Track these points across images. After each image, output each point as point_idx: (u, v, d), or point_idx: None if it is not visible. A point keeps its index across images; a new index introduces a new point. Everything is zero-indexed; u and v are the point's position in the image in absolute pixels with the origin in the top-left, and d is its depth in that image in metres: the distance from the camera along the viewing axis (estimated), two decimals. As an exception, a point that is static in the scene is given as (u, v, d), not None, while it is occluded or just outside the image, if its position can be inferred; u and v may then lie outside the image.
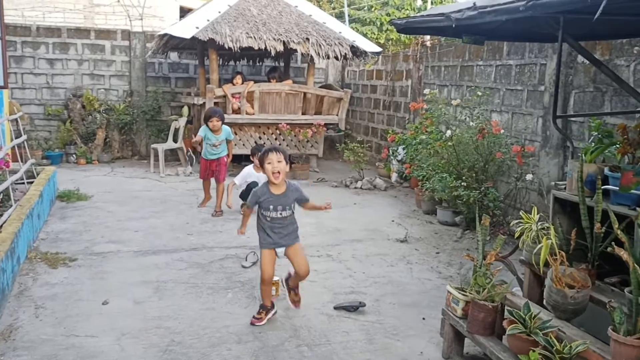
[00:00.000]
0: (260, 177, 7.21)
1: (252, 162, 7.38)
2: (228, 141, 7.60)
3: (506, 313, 3.51)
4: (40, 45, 11.46)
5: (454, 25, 3.14)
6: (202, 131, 7.43)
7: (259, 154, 4.37)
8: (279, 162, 4.10)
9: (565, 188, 4.00)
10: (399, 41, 13.02)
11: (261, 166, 4.24)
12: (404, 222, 7.19)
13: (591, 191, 3.67)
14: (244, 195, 7.36)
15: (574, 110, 6.24)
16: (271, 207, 4.13)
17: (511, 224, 6.43)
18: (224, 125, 7.47)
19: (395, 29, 4.10)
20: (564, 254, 3.33)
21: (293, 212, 4.25)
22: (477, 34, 3.90)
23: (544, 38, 4.45)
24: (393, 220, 7.28)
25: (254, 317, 4.18)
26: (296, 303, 4.45)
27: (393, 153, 9.51)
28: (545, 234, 3.67)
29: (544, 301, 3.43)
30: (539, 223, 3.80)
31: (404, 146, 8.99)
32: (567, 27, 3.70)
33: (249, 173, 7.33)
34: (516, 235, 3.90)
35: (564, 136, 4.31)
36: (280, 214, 4.15)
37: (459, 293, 3.70)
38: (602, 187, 3.43)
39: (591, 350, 2.92)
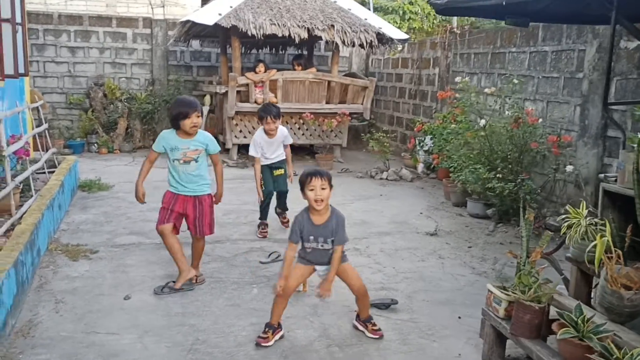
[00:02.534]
0: (273, 143, 5.77)
1: (267, 127, 5.68)
2: (211, 157, 4.66)
3: (552, 314, 3.28)
4: (62, 33, 11.36)
5: (504, 3, 2.88)
6: (162, 141, 4.50)
7: (304, 178, 3.64)
8: (322, 189, 3.57)
9: (616, 180, 3.73)
10: (421, 30, 12.72)
11: (302, 190, 3.66)
12: (432, 215, 6.94)
13: (646, 184, 3.40)
14: (264, 208, 5.97)
15: (615, 98, 5.93)
16: (311, 237, 3.65)
17: (547, 217, 6.20)
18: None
19: (434, 10, 3.84)
20: (620, 252, 3.07)
21: None
22: (522, 15, 3.63)
23: (594, 20, 4.17)
24: (421, 213, 7.03)
25: (259, 336, 3.70)
26: (378, 332, 3.84)
27: (420, 143, 9.24)
28: (595, 230, 3.41)
29: (595, 302, 3.19)
30: (588, 218, 3.53)
31: (431, 136, 8.72)
32: (620, 8, 3.43)
33: (261, 138, 5.74)
34: (562, 230, 3.65)
35: (615, 125, 4.03)
36: (322, 245, 3.65)
37: (502, 292, 3.45)
38: (662, 180, 3.16)
39: (653, 359, 2.67)
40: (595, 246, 3.18)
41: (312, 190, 3.58)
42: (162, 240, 4.53)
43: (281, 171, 5.92)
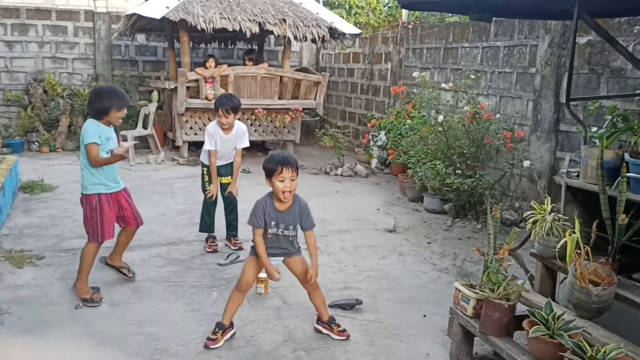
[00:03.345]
0: (229, 141, 5.16)
1: (219, 120, 5.09)
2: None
3: (519, 312, 3.27)
4: (-2, 27, 10.78)
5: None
6: (98, 132, 4.07)
7: (273, 165, 3.46)
8: (292, 180, 3.45)
9: (578, 176, 3.75)
10: (368, 24, 12.73)
11: (268, 177, 3.49)
12: (390, 211, 6.91)
13: (608, 179, 3.43)
14: (208, 217, 5.39)
15: (566, 92, 6.02)
16: (273, 223, 3.52)
17: (502, 211, 6.25)
18: None
19: (399, 5, 3.76)
20: (588, 248, 3.08)
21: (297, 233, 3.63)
22: (486, 10, 3.59)
23: (555, 15, 4.18)
24: (379, 209, 6.98)
25: (208, 337, 3.59)
26: (344, 333, 3.76)
27: (373, 138, 9.21)
28: (561, 226, 3.42)
29: (564, 299, 3.20)
30: (552, 214, 3.54)
31: (385, 131, 8.71)
32: (581, 3, 3.44)
33: (215, 131, 5.11)
34: (528, 226, 3.65)
35: (577, 121, 4.06)
36: (282, 232, 3.55)
37: (470, 291, 3.42)
38: (627, 175, 3.19)
39: (624, 355, 2.67)
40: (563, 242, 3.18)
41: (282, 181, 3.44)
42: (91, 249, 4.22)
43: (229, 179, 5.29)
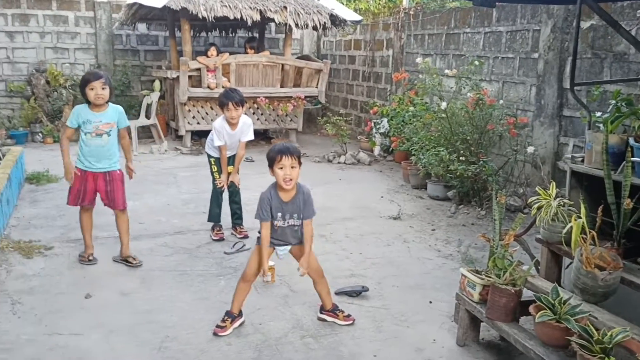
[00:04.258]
0: (234, 136, 5.22)
1: (228, 115, 5.09)
2: (119, 130, 4.66)
3: (525, 297, 3.31)
4: (-1, 17, 10.76)
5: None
6: (75, 116, 4.50)
7: (274, 154, 3.51)
8: (292, 167, 3.47)
9: (582, 161, 3.77)
10: (368, 11, 12.69)
11: (270, 167, 3.53)
12: (394, 198, 6.94)
13: (613, 164, 3.45)
14: (215, 208, 5.46)
15: (570, 77, 6.01)
16: (279, 215, 3.55)
17: (505, 198, 6.28)
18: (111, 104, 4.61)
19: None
20: (594, 233, 3.10)
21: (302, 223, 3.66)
22: (490, -5, 3.60)
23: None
24: (382, 196, 7.01)
25: (217, 325, 3.64)
26: (350, 318, 3.83)
27: (376, 126, 9.22)
28: (566, 211, 3.44)
29: (570, 283, 3.23)
30: (558, 199, 3.56)
31: (388, 118, 8.71)
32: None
33: (223, 127, 5.17)
34: (533, 212, 3.68)
35: (582, 106, 4.07)
36: (288, 222, 3.59)
37: (476, 277, 3.45)
38: (631, 159, 3.20)
39: (630, 338, 2.71)
40: (569, 228, 3.20)
41: (281, 169, 3.47)
42: (80, 218, 4.80)
43: (231, 169, 5.36)
